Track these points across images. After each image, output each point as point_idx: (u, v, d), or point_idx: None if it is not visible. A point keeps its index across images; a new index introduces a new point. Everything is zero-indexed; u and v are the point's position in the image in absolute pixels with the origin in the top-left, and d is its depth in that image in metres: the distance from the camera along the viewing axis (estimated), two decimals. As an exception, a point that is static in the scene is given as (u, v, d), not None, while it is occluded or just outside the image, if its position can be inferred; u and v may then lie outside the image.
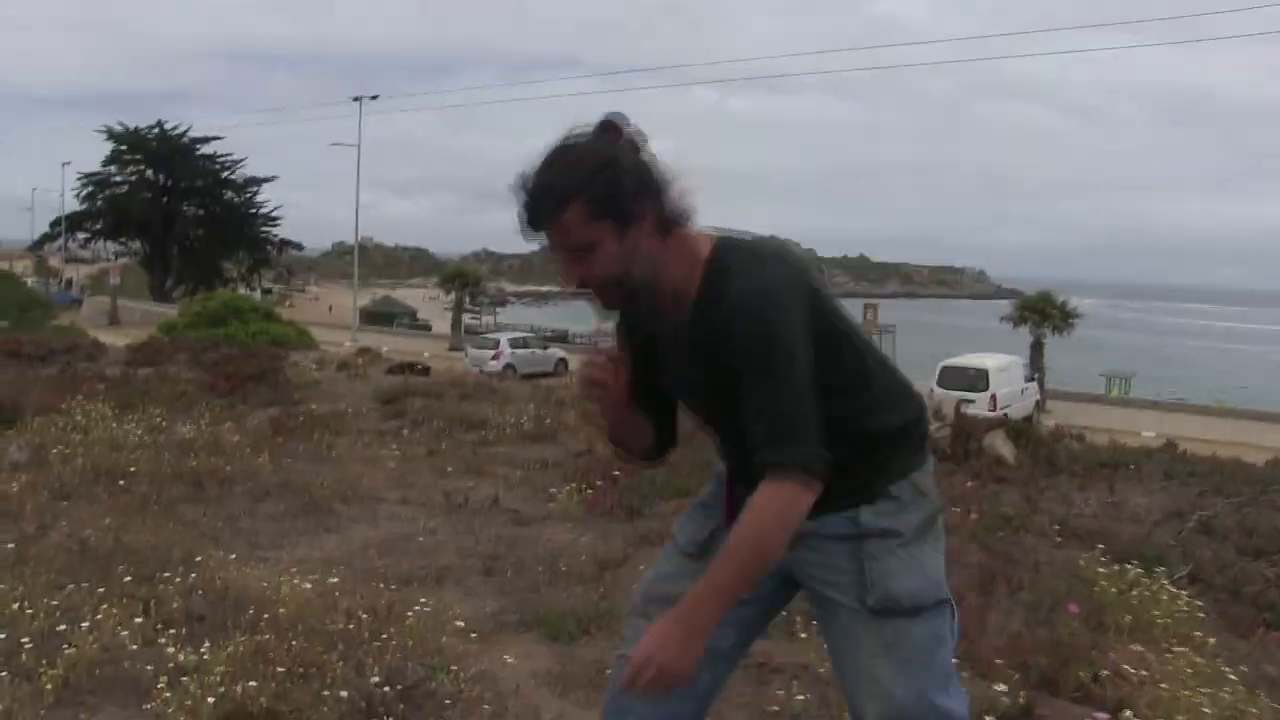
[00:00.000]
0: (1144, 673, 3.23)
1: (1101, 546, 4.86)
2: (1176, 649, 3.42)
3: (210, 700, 2.87)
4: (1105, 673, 3.29)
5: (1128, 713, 2.99)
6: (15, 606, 3.53)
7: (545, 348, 36.01)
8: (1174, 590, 4.11)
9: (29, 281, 38.13)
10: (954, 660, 2.02)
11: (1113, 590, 4.08)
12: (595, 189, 1.81)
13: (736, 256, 1.89)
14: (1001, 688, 3.16)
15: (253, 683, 3.02)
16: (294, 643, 3.41)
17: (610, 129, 1.87)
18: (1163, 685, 3.12)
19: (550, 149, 1.86)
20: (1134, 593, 4.00)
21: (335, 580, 4.27)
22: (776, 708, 3.24)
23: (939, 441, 8.49)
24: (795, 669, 3.43)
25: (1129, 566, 4.35)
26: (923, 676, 1.92)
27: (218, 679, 3.02)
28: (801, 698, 3.18)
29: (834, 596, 1.98)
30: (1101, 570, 4.32)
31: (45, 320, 26.45)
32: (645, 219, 1.85)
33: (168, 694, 2.94)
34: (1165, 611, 3.82)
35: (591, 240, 1.83)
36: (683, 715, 2.09)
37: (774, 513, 1.80)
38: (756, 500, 1.80)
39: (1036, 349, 29.40)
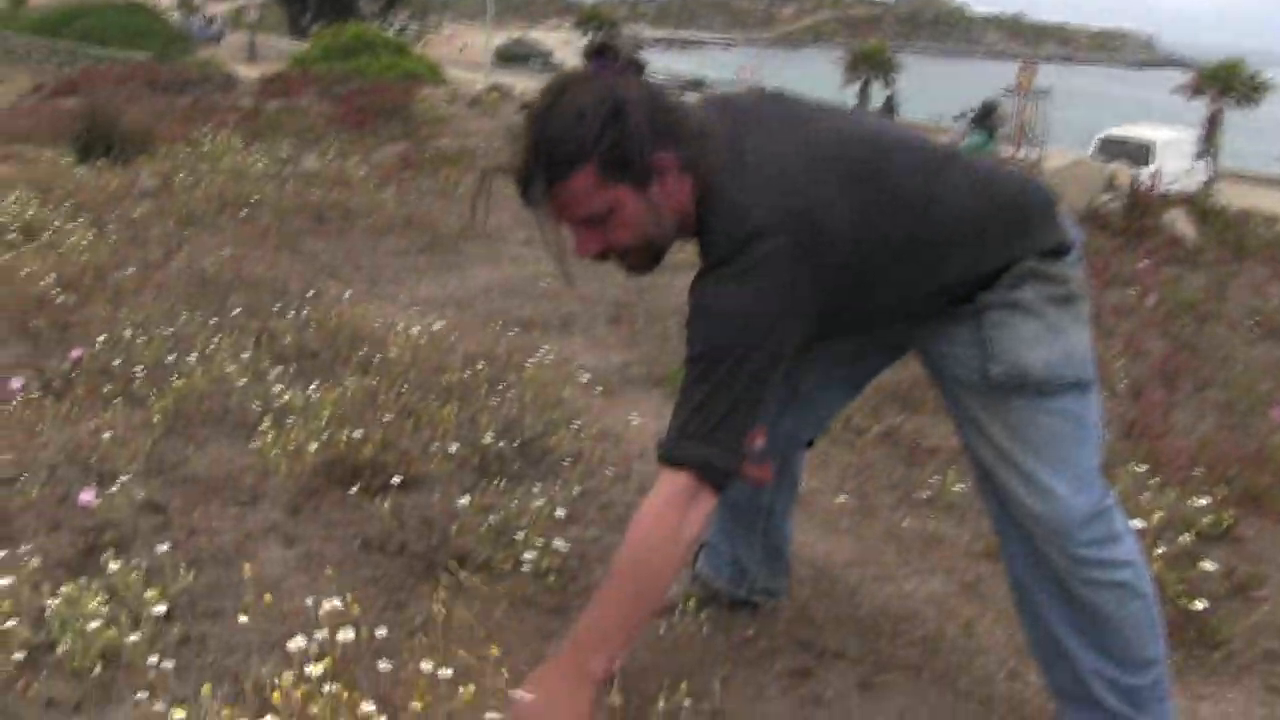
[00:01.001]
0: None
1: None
2: None
3: (313, 446, 2.68)
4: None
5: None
6: (127, 334, 3.40)
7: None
8: None
9: (172, 15, 38.32)
10: (1100, 458, 1.74)
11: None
12: (605, 148, 1.50)
13: (719, 216, 1.59)
14: (1202, 502, 2.73)
15: (358, 431, 2.82)
16: (404, 389, 3.20)
17: (607, 58, 1.56)
18: None
19: (542, 100, 1.55)
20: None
21: (453, 322, 4.05)
22: (928, 493, 2.89)
23: (1109, 215, 7.68)
24: (952, 454, 3.05)
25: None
26: (1063, 466, 1.66)
27: (323, 423, 2.83)
28: (958, 487, 2.82)
29: (956, 373, 1.74)
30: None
31: (185, 55, 26.64)
32: (668, 166, 1.56)
33: (271, 434, 2.77)
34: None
35: (608, 206, 1.56)
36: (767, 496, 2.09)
37: (662, 525, 1.58)
38: (642, 511, 1.61)
39: (1213, 124, 26.66)
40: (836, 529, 2.75)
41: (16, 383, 2.98)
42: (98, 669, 1.78)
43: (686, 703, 1.84)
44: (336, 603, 1.89)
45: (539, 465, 2.99)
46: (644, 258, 1.66)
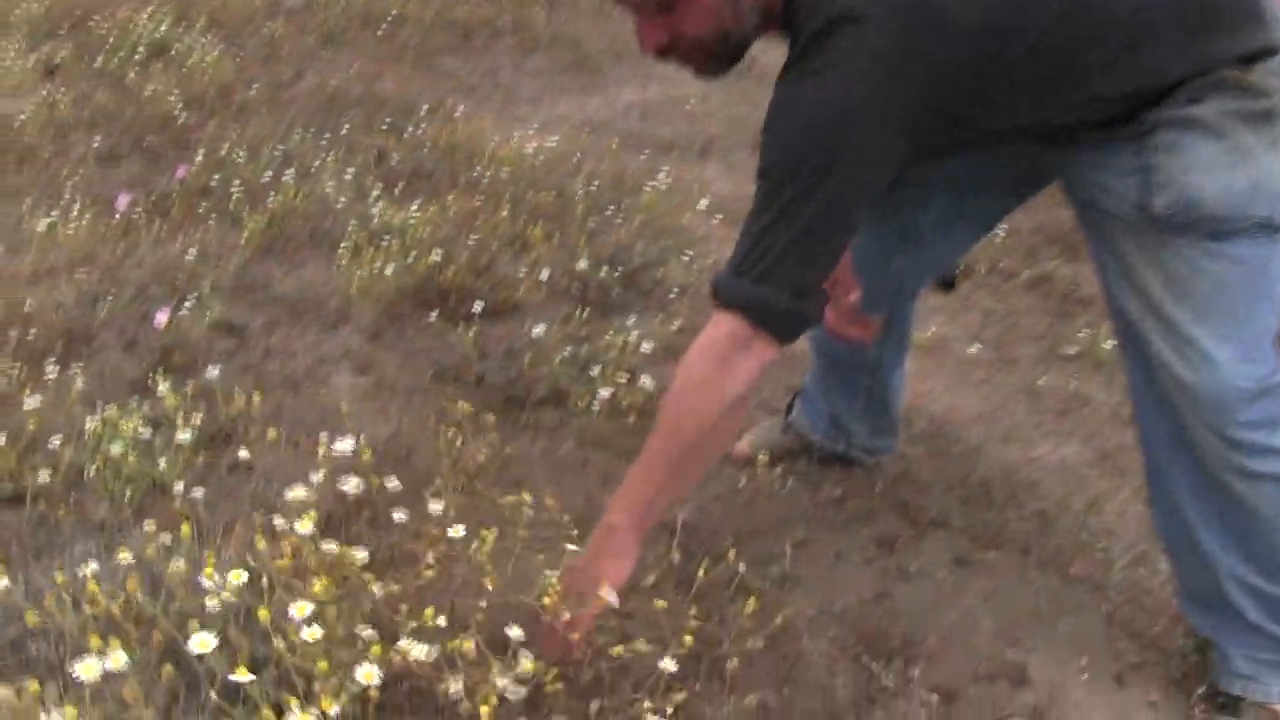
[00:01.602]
0: None
1: None
2: None
3: (390, 268, 2.54)
4: None
5: None
6: (226, 151, 3.33)
7: None
8: None
9: None
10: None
11: None
12: None
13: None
14: None
15: (454, 253, 2.65)
16: (507, 210, 3.00)
17: None
18: None
19: None
20: None
21: (584, 143, 3.82)
22: (1076, 349, 2.50)
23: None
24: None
25: None
26: (1230, 327, 1.31)
27: (413, 244, 2.68)
28: (1112, 344, 2.41)
29: (1107, 206, 1.36)
30: None
31: None
32: None
33: (352, 255, 2.64)
34: None
35: None
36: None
37: (697, 376, 1.34)
38: (685, 357, 1.38)
39: None
40: (966, 381, 2.42)
41: (123, 201, 2.96)
42: (128, 493, 1.72)
43: (741, 567, 1.62)
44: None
45: (647, 296, 2.77)
46: (718, 55, 1.38)
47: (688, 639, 1.35)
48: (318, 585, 1.13)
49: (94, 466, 1.73)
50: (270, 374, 2.28)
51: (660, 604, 1.40)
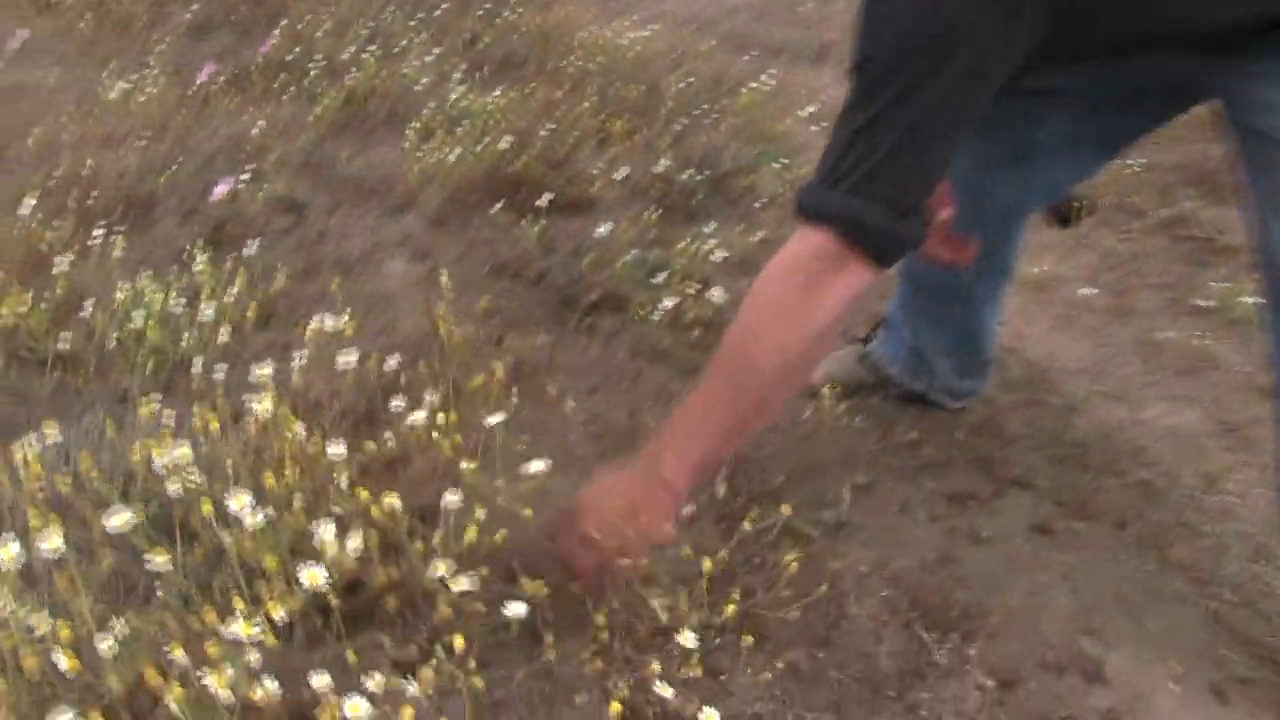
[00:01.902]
0: None
1: None
2: None
3: (456, 154, 2.39)
4: None
5: None
6: (302, 25, 3.20)
7: None
8: None
9: None
10: None
11: None
12: None
13: None
14: None
15: (530, 142, 2.48)
16: (587, 103, 2.81)
17: None
18: None
19: None
20: None
21: (688, 40, 3.58)
22: (1209, 302, 2.22)
23: None
24: (1251, 252, 2.32)
25: None
26: None
27: (487, 128, 2.52)
28: (1247, 300, 2.12)
29: (1272, 129, 1.13)
30: None
31: None
32: None
33: (440, 134, 2.50)
34: None
35: None
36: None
37: (781, 294, 1.15)
38: (763, 273, 1.18)
39: None
40: (1073, 326, 2.17)
41: (205, 72, 2.86)
42: (150, 366, 1.63)
43: (785, 509, 1.45)
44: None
45: (733, 203, 2.58)
46: None
47: (730, 609, 1.19)
48: (269, 475, 1.02)
49: (116, 336, 1.65)
50: (323, 255, 2.17)
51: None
